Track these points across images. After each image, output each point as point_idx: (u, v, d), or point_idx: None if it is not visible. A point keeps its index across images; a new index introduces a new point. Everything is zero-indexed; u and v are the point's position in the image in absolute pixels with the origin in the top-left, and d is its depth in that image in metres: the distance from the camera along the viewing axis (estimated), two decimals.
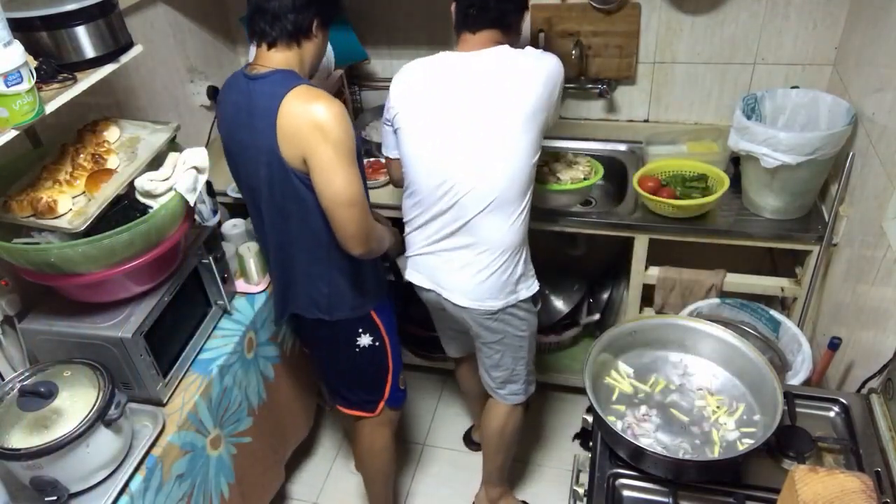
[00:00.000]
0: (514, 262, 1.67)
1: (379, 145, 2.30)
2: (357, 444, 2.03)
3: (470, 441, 2.45)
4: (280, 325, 1.96)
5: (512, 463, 2.17)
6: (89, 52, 1.49)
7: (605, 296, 2.46)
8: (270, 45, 1.50)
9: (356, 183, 1.45)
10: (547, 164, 1.98)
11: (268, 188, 1.54)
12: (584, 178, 1.95)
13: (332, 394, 1.97)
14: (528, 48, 1.60)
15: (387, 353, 1.82)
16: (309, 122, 1.40)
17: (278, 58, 1.50)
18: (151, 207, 1.54)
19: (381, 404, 1.89)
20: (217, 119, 1.65)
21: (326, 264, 1.62)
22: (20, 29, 1.36)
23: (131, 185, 1.55)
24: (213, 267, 1.77)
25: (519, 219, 1.63)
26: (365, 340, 1.77)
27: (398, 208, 2.11)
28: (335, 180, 1.42)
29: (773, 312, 1.91)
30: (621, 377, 1.48)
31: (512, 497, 2.22)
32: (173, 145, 1.68)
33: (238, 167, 1.62)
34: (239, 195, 2.19)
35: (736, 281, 2.00)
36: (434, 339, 2.53)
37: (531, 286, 1.74)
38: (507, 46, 1.58)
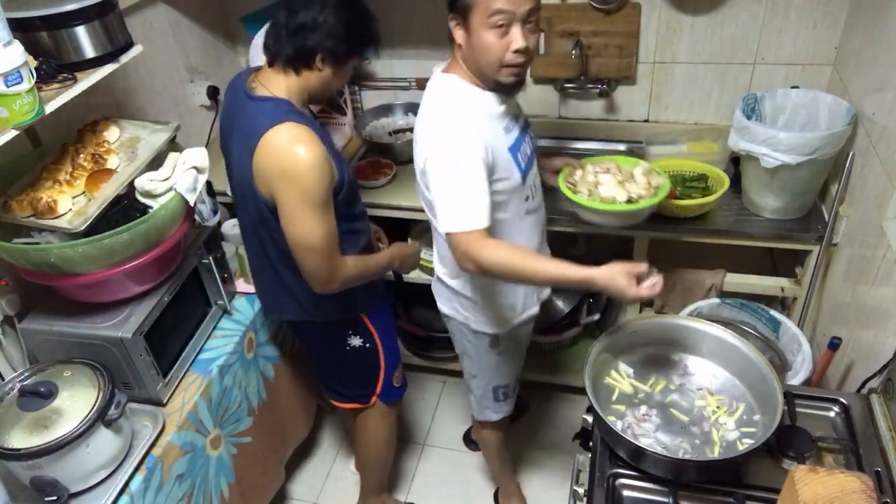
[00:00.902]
0: (443, 279, 1.66)
1: (379, 145, 2.32)
2: (357, 433, 2.04)
3: (470, 441, 2.45)
4: (268, 317, 1.95)
5: (513, 465, 2.19)
6: (89, 52, 1.49)
7: (605, 296, 2.46)
8: (270, 63, 1.47)
9: (318, 230, 1.42)
10: (601, 173, 1.75)
11: (241, 202, 1.55)
12: (629, 201, 1.69)
13: (327, 388, 1.98)
14: (434, 97, 1.44)
15: (378, 354, 1.83)
16: (280, 165, 1.38)
17: (277, 82, 1.45)
18: (151, 207, 1.54)
19: (374, 398, 1.91)
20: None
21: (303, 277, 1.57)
22: (20, 29, 1.36)
23: (131, 185, 1.55)
24: (213, 267, 1.77)
25: (442, 245, 1.56)
26: (356, 341, 1.77)
27: (398, 208, 2.12)
28: (296, 225, 1.42)
29: (773, 312, 1.91)
30: (621, 377, 1.48)
31: (515, 488, 2.22)
32: (173, 145, 1.68)
33: (228, 170, 1.62)
34: None
35: (736, 281, 2.00)
36: (434, 338, 2.54)
37: (472, 321, 1.66)
38: (439, 77, 1.45)
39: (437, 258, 1.67)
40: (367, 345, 1.79)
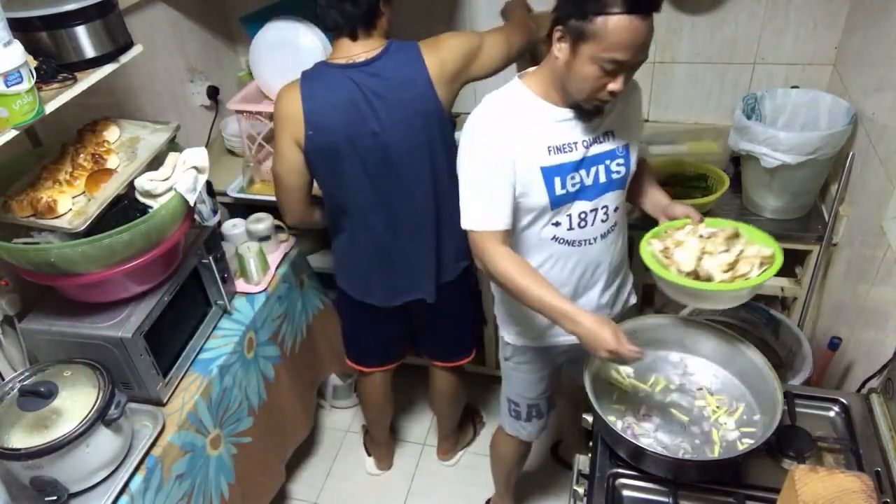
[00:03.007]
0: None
1: None
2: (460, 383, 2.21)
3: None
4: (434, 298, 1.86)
5: (515, 484, 2.17)
6: (89, 52, 1.48)
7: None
8: (354, 38, 1.57)
9: (500, 36, 1.69)
10: (702, 237, 1.44)
11: (428, 151, 1.64)
12: (692, 275, 1.36)
13: (456, 350, 2.08)
14: (494, 95, 1.46)
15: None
16: (457, 55, 1.60)
17: (368, 44, 1.57)
18: (151, 207, 1.54)
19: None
20: (309, 134, 1.60)
21: None
22: (20, 29, 1.36)
23: (131, 185, 1.55)
24: (213, 267, 1.77)
25: None
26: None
27: None
28: (495, 34, 1.67)
29: (773, 312, 1.91)
30: (621, 377, 1.48)
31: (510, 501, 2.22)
32: (173, 145, 1.68)
33: (360, 166, 1.63)
34: (241, 195, 2.20)
35: None
36: None
37: (497, 312, 1.71)
38: (512, 81, 1.46)
39: None
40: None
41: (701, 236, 1.44)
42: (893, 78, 1.59)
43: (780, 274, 2.05)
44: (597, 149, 1.41)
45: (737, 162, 2.01)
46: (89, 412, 1.37)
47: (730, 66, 2.17)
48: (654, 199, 1.60)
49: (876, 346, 1.53)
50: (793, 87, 1.97)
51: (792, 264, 2.05)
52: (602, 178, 1.42)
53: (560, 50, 1.28)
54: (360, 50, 1.57)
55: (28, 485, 1.37)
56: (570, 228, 1.44)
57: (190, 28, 2.31)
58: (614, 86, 1.27)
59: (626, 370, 1.49)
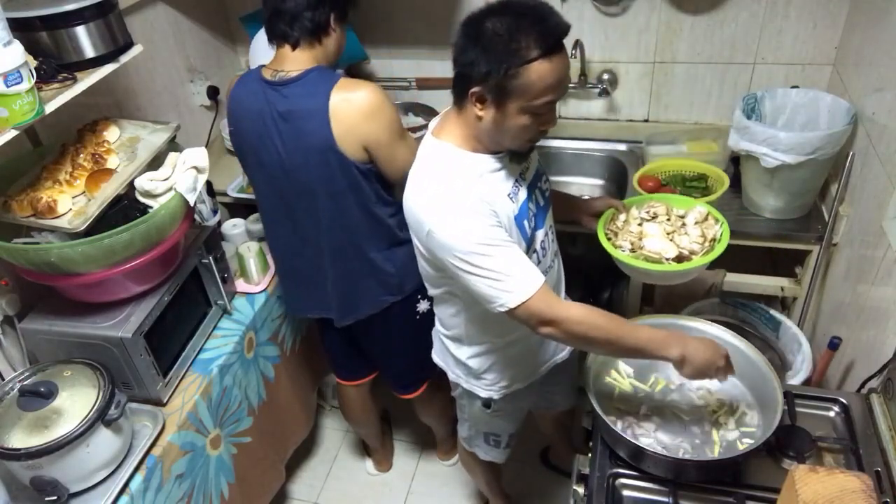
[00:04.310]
0: (441, 332, 1.58)
1: None
2: (432, 407, 2.13)
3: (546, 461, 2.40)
4: (344, 324, 1.84)
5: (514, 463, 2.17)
6: (89, 52, 1.49)
7: (605, 296, 2.46)
8: (294, 46, 1.52)
9: (414, 149, 1.41)
10: (647, 221, 1.55)
11: (325, 187, 1.57)
12: (678, 258, 1.45)
13: (398, 383, 2.02)
14: (428, 165, 1.34)
15: None
16: (361, 111, 1.47)
17: (304, 57, 1.52)
18: (151, 207, 1.54)
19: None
20: (230, 130, 1.65)
21: (390, 245, 1.67)
22: (20, 29, 1.37)
23: (131, 185, 1.55)
24: (213, 267, 1.77)
25: (442, 306, 1.51)
26: (423, 306, 1.79)
27: None
28: (398, 158, 1.53)
29: (773, 312, 1.92)
30: (621, 377, 1.48)
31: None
32: (173, 145, 1.68)
33: (266, 177, 1.63)
34: (241, 194, 2.20)
35: (736, 281, 2.00)
36: None
37: (463, 381, 1.59)
38: (432, 144, 1.37)
39: (438, 320, 1.57)
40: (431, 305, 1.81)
41: (644, 219, 1.55)
42: (893, 78, 1.59)
43: (780, 274, 2.07)
44: (529, 176, 1.39)
45: (737, 162, 2.00)
46: (89, 412, 1.37)
47: (730, 66, 2.17)
48: (567, 201, 1.63)
49: (876, 346, 1.53)
50: (793, 87, 1.97)
51: (792, 264, 2.06)
52: (541, 202, 1.42)
53: (482, 111, 1.20)
54: (292, 66, 1.51)
55: (28, 485, 1.37)
56: (540, 262, 1.41)
57: (190, 28, 2.31)
58: (548, 125, 1.24)
59: (627, 370, 1.49)
